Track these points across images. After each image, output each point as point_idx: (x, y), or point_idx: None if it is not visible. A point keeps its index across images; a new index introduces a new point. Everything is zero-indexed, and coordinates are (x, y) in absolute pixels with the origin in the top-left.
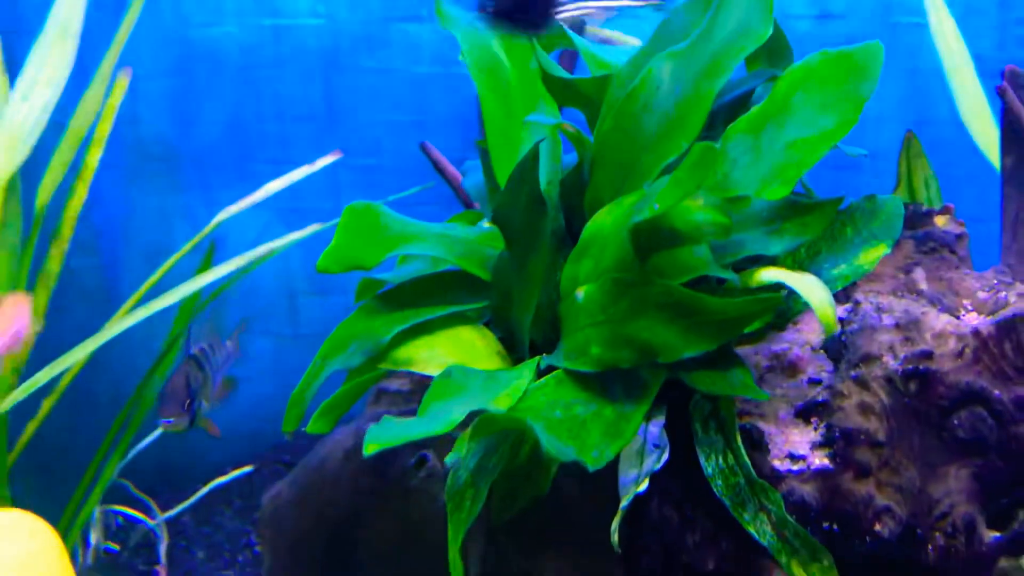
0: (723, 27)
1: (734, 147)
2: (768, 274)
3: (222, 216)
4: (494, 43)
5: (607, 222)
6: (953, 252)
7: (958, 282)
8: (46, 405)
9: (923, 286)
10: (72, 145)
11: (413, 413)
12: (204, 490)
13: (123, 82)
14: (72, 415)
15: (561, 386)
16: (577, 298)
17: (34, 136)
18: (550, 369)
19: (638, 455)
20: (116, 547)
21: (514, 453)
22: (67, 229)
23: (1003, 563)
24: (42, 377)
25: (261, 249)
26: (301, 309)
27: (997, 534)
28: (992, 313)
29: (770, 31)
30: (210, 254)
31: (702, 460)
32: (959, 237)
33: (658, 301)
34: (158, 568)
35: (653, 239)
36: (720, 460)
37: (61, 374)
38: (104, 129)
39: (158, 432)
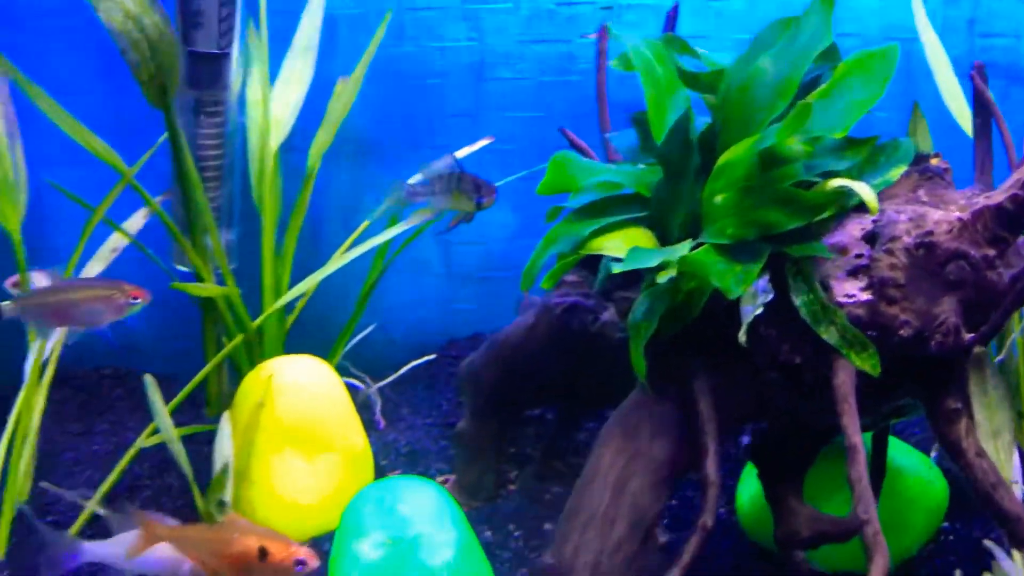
0: (801, 37)
1: (814, 107)
2: (836, 182)
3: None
4: (647, 51)
5: (736, 153)
6: (943, 179)
7: (947, 196)
8: (298, 306)
9: (925, 199)
10: (330, 128)
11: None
12: (405, 368)
13: (352, 87)
14: (309, 319)
15: (707, 254)
16: (716, 202)
17: (291, 122)
18: (698, 246)
19: (753, 296)
20: None
21: (673, 298)
22: (307, 188)
23: (976, 350)
24: (294, 292)
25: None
26: (453, 255)
27: (972, 334)
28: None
29: (831, 40)
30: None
31: (793, 298)
32: (946, 170)
33: (773, 196)
34: (378, 418)
35: (768, 161)
36: (804, 297)
37: (301, 295)
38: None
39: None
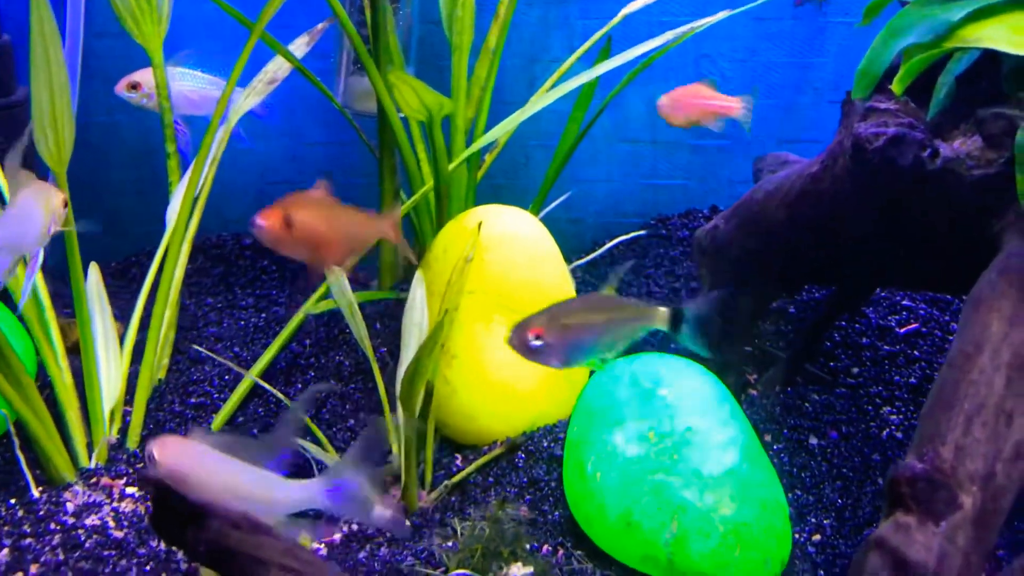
0: None
1: None
2: None
3: (620, 16)
4: None
5: None
6: None
7: None
8: (488, 158)
9: None
10: None
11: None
12: (608, 245)
13: None
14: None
15: None
16: None
17: None
18: None
19: None
20: None
21: None
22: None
23: None
24: (488, 137)
25: (632, 52)
26: (658, 118)
27: None
28: None
29: None
30: (607, 49)
31: None
32: None
33: None
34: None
35: None
36: None
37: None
38: None
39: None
